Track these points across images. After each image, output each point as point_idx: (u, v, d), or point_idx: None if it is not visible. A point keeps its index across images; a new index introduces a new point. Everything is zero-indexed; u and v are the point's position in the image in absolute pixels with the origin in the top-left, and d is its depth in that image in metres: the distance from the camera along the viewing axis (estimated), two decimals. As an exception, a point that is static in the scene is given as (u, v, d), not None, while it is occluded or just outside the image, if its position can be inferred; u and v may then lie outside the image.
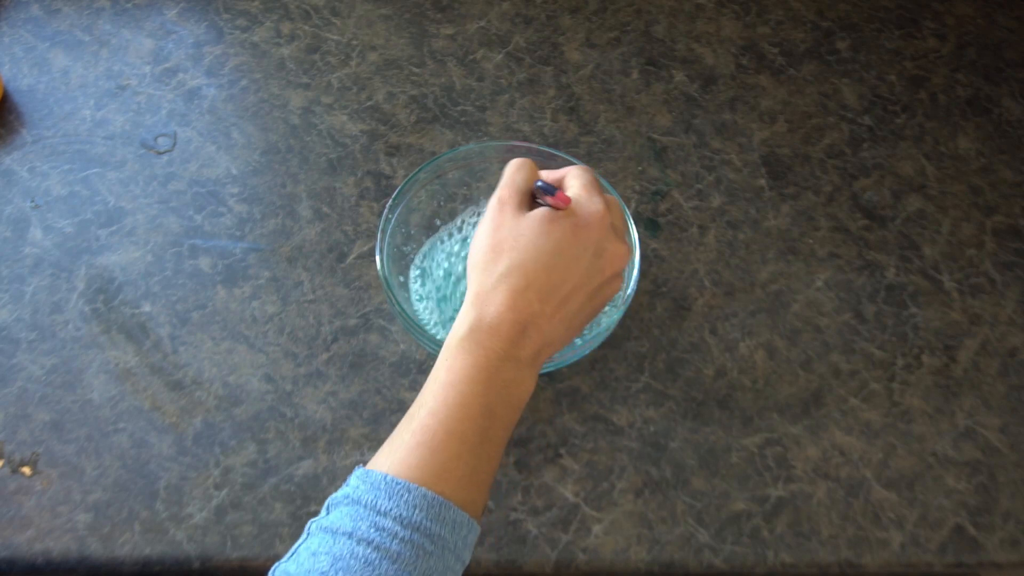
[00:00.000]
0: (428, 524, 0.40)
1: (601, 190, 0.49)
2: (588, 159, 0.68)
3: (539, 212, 0.47)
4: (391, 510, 0.40)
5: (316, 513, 0.54)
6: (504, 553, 0.53)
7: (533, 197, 0.48)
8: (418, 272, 0.61)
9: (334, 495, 0.42)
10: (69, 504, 0.54)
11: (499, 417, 0.44)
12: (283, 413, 0.57)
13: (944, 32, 0.78)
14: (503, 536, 0.54)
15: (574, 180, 0.49)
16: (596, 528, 0.54)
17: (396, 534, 0.39)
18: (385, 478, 0.41)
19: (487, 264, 0.46)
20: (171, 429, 0.57)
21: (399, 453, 0.42)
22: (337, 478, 0.55)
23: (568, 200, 0.46)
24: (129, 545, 0.53)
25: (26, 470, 0.55)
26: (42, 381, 0.58)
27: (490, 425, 0.44)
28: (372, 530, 0.39)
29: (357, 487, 0.41)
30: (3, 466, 0.55)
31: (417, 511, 0.40)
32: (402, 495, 0.40)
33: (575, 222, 0.46)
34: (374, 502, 0.40)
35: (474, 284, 0.46)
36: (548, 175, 0.51)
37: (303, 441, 0.56)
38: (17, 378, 0.58)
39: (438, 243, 0.61)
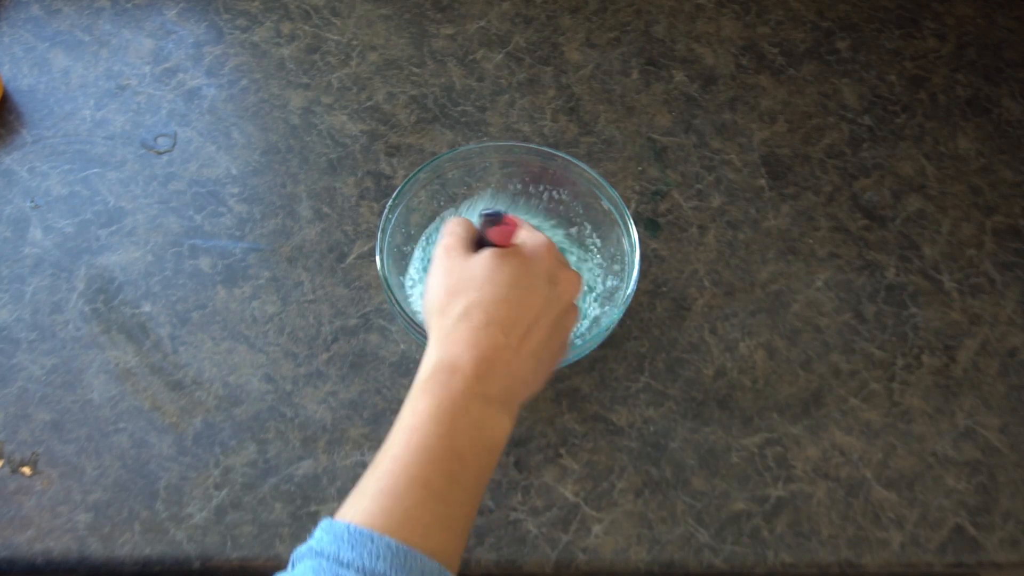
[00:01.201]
0: (392, 574, 0.38)
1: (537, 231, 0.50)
2: (588, 159, 0.68)
3: (488, 252, 0.46)
4: (353, 561, 0.38)
5: (316, 513, 0.54)
6: (504, 553, 0.53)
7: (477, 245, 0.48)
8: (421, 255, 0.61)
9: (298, 549, 0.40)
10: (69, 504, 0.54)
11: (469, 460, 0.42)
12: (283, 413, 0.57)
13: (944, 32, 0.78)
14: (503, 536, 0.54)
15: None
16: (596, 528, 0.54)
17: None
18: (348, 528, 0.39)
19: (443, 308, 0.45)
20: (171, 429, 0.57)
21: (363, 502, 0.41)
22: (337, 478, 0.55)
23: (515, 221, 0.46)
24: (129, 545, 0.53)
25: (26, 470, 0.55)
26: (42, 381, 0.58)
27: (458, 468, 0.42)
28: None
29: (320, 539, 0.39)
30: (3, 466, 0.55)
31: (381, 561, 0.38)
32: (365, 545, 0.38)
33: (524, 255, 0.47)
34: (336, 553, 0.38)
35: (433, 329, 0.46)
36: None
37: (303, 441, 0.56)
38: (17, 378, 0.58)
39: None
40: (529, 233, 0.48)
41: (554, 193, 0.62)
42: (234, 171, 0.67)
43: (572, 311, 0.49)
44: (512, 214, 0.51)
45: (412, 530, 0.40)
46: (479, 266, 0.46)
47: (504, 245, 0.47)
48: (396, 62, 0.73)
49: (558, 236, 0.63)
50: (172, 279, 0.62)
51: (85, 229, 0.64)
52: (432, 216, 0.62)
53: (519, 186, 0.63)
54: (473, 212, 0.63)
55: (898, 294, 0.64)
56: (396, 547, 0.38)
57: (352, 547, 0.38)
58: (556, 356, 0.48)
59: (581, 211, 0.62)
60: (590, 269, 0.61)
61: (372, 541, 0.38)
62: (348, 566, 0.38)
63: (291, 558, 0.41)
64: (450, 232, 0.49)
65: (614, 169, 0.68)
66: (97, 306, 0.61)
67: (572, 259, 0.62)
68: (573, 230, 0.63)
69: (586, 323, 0.59)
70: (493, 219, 0.45)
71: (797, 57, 0.75)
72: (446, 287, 0.46)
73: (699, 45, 0.76)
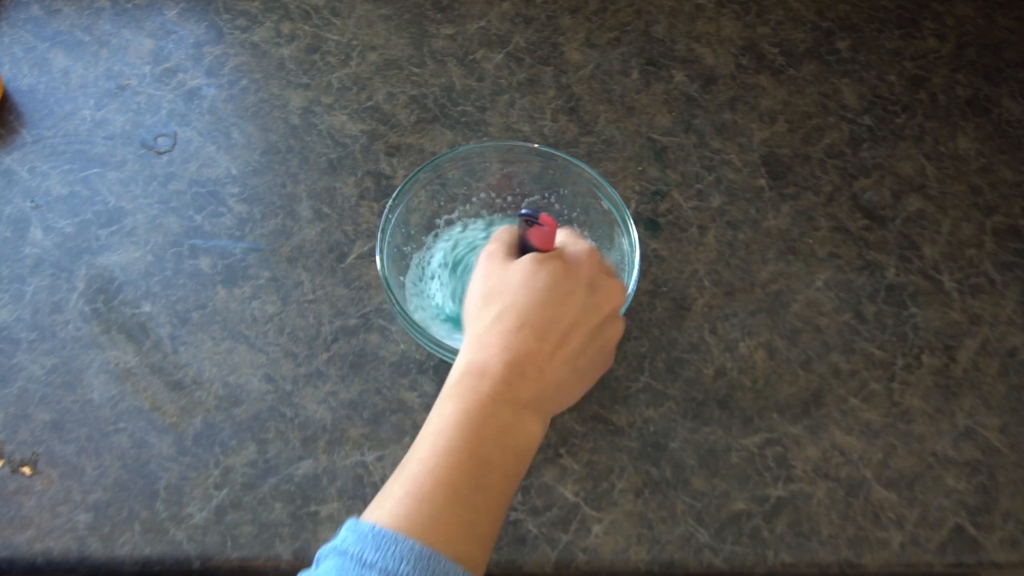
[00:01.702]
0: None
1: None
2: (588, 159, 0.68)
3: (527, 256, 0.46)
4: (377, 562, 0.38)
5: (316, 513, 0.54)
6: (504, 553, 0.53)
7: (520, 251, 0.48)
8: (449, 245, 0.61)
9: (323, 547, 0.40)
10: (69, 504, 0.54)
11: (496, 465, 0.42)
12: (283, 413, 0.57)
13: (944, 32, 0.78)
14: (503, 536, 0.54)
15: (559, 233, 0.49)
16: (596, 528, 0.54)
17: None
18: (372, 529, 0.39)
19: (479, 311, 0.45)
20: (171, 429, 0.57)
21: (388, 503, 0.41)
22: (337, 478, 0.55)
23: (553, 221, 0.46)
24: (129, 545, 0.53)
25: (26, 470, 0.55)
26: (42, 381, 0.58)
27: (485, 473, 0.41)
28: None
29: (345, 538, 0.40)
30: (3, 466, 0.55)
31: (404, 563, 0.38)
32: (389, 547, 0.38)
33: (565, 259, 0.46)
34: (360, 554, 0.38)
35: (468, 331, 0.46)
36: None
37: (303, 441, 0.56)
38: (17, 378, 0.58)
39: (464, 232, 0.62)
40: (572, 238, 0.48)
41: (554, 193, 0.62)
42: (234, 171, 0.67)
43: (616, 322, 0.48)
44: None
45: (436, 534, 0.39)
46: (518, 270, 0.46)
47: (545, 249, 0.46)
48: (396, 62, 0.73)
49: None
50: (172, 279, 0.62)
51: (85, 229, 0.64)
52: (432, 216, 0.62)
53: (519, 186, 0.63)
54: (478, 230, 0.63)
55: (898, 294, 0.64)
56: (420, 550, 0.38)
57: (376, 548, 0.38)
58: (597, 367, 0.47)
59: (581, 211, 0.62)
60: None
61: (396, 543, 0.38)
62: (372, 567, 0.38)
63: (316, 556, 0.41)
64: (496, 238, 0.49)
65: (614, 169, 0.68)
66: (97, 306, 0.61)
67: None
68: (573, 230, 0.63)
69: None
70: (529, 220, 0.45)
71: (797, 57, 0.75)
72: (483, 291, 0.46)
73: (699, 45, 0.76)
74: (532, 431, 0.43)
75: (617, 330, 0.48)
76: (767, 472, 0.56)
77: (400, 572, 0.37)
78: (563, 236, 0.49)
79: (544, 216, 0.45)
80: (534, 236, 0.46)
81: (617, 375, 0.60)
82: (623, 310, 0.54)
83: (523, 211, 0.45)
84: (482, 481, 0.41)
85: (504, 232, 0.50)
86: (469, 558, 0.40)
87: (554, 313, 0.44)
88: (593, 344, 0.46)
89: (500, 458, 0.42)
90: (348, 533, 0.40)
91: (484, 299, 0.46)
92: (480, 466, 0.41)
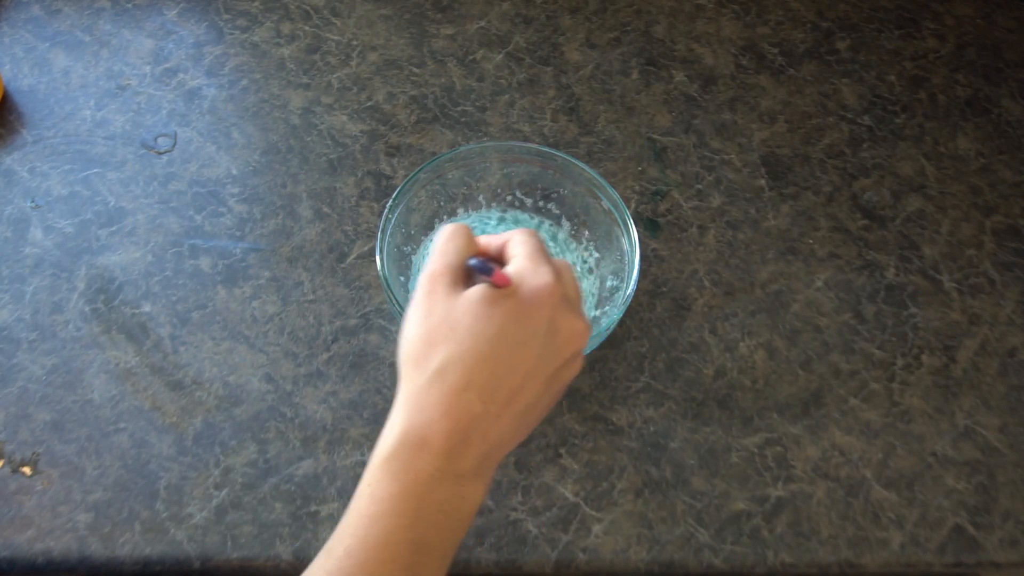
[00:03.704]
0: None
1: (548, 257, 0.41)
2: (588, 159, 0.69)
3: (477, 291, 0.39)
4: None
5: (316, 513, 0.54)
6: (504, 553, 0.53)
7: (468, 276, 0.41)
8: None
9: None
10: (69, 504, 0.54)
11: (434, 548, 0.38)
12: (283, 413, 0.57)
13: (944, 32, 0.78)
14: (503, 536, 0.54)
15: (518, 248, 0.42)
16: (596, 528, 0.54)
17: None
18: None
19: (419, 359, 0.39)
20: (171, 429, 0.57)
21: None
22: (337, 478, 0.55)
23: (508, 280, 0.39)
24: (129, 545, 0.53)
25: (26, 470, 0.55)
26: (42, 381, 0.58)
27: (422, 560, 0.38)
28: None
29: None
30: (3, 466, 0.55)
31: None
32: None
33: (520, 300, 0.39)
34: None
35: (405, 381, 0.39)
36: (488, 240, 0.44)
37: (303, 441, 0.56)
38: (17, 378, 0.58)
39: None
40: (534, 263, 0.40)
41: (554, 193, 0.62)
42: (234, 171, 0.67)
43: (574, 362, 0.42)
44: (492, 237, 0.44)
45: None
46: (465, 311, 0.39)
47: (500, 283, 0.39)
48: (396, 62, 0.73)
49: (561, 236, 0.63)
50: (172, 279, 0.62)
51: (85, 229, 0.64)
52: (432, 216, 0.62)
53: (518, 186, 0.63)
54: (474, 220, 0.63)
55: (898, 294, 0.64)
56: None
57: None
58: (545, 411, 0.42)
59: (581, 211, 0.62)
60: (584, 262, 0.61)
61: None
62: None
63: None
64: (440, 254, 0.41)
65: (614, 169, 0.68)
66: (97, 306, 0.61)
67: (569, 258, 0.62)
68: (572, 230, 0.63)
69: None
70: (482, 271, 0.39)
71: (797, 57, 0.75)
72: (424, 332, 0.39)
73: (699, 45, 0.76)
74: (473, 497, 0.39)
75: (574, 370, 0.42)
76: (767, 472, 0.57)
77: None
78: (523, 257, 0.41)
79: (498, 274, 0.39)
80: (492, 279, 0.40)
81: (617, 375, 0.60)
82: (623, 310, 0.54)
83: (474, 261, 0.39)
84: (418, 569, 0.38)
85: (450, 243, 0.41)
86: None
87: (505, 368, 0.38)
88: (547, 393, 0.41)
89: (438, 539, 0.38)
90: None
91: (424, 343, 0.39)
92: (416, 554, 0.38)
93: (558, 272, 0.41)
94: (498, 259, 0.43)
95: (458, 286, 0.40)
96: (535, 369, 0.39)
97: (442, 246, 0.41)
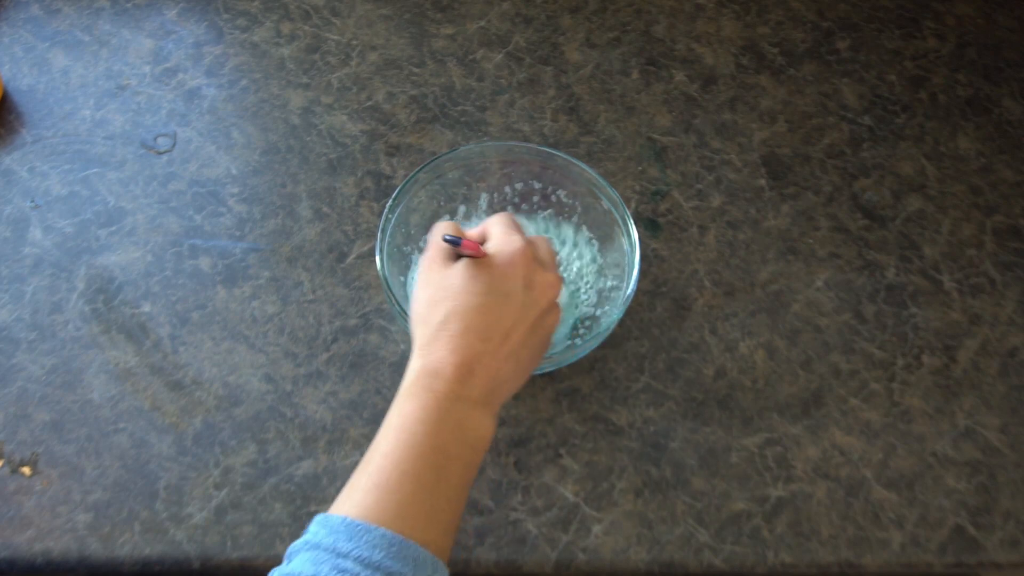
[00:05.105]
0: (389, 563, 0.40)
1: (519, 229, 0.51)
2: (588, 159, 0.68)
3: (463, 262, 0.49)
4: (351, 551, 0.40)
5: (316, 513, 0.54)
6: (504, 553, 0.53)
7: (459, 255, 0.50)
8: None
9: (293, 544, 0.42)
10: (69, 504, 0.54)
11: (455, 456, 0.45)
12: (283, 413, 0.57)
13: (944, 32, 0.78)
14: (503, 536, 0.54)
15: (494, 227, 0.51)
16: (596, 528, 0.54)
17: (358, 575, 0.39)
18: (344, 521, 0.41)
19: (425, 317, 0.48)
20: (171, 429, 0.57)
21: (356, 496, 0.43)
22: (337, 478, 0.55)
23: (475, 245, 0.48)
24: (129, 545, 0.53)
25: (26, 470, 0.55)
26: (42, 381, 0.58)
27: (445, 463, 0.44)
28: (334, 572, 0.39)
29: (316, 532, 0.41)
30: (3, 466, 0.55)
31: (377, 550, 0.40)
32: (361, 536, 0.40)
33: (499, 262, 0.49)
34: (334, 545, 0.40)
35: (417, 337, 0.48)
36: (470, 233, 0.53)
37: (303, 441, 0.56)
38: (17, 378, 0.58)
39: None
40: (505, 236, 0.50)
41: (554, 193, 0.62)
42: (234, 171, 0.67)
43: (552, 311, 0.51)
44: (474, 228, 0.53)
45: (404, 521, 0.42)
46: (455, 276, 0.48)
47: (471, 248, 0.48)
48: (396, 62, 0.73)
49: (552, 227, 0.63)
50: (172, 279, 0.62)
51: (85, 229, 0.64)
52: (432, 216, 0.62)
53: (518, 186, 0.63)
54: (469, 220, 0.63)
55: (898, 294, 0.64)
56: (392, 537, 0.40)
57: (349, 538, 0.40)
58: (537, 355, 0.50)
59: (581, 211, 0.62)
60: (581, 259, 0.61)
61: (368, 532, 0.40)
62: (346, 556, 0.40)
63: (287, 552, 0.42)
64: (433, 243, 0.51)
65: (614, 169, 0.68)
66: (97, 306, 0.61)
67: (564, 251, 0.62)
68: (572, 226, 0.63)
69: (570, 326, 0.59)
70: (453, 243, 0.48)
71: (797, 57, 0.75)
72: (427, 297, 0.48)
73: (699, 45, 0.76)
74: (485, 424, 0.46)
75: (555, 319, 0.51)
76: (767, 472, 0.56)
77: (375, 559, 0.40)
78: (498, 232, 0.50)
79: (466, 242, 0.48)
80: (465, 250, 0.49)
81: (617, 375, 0.60)
82: (623, 310, 0.54)
83: (446, 237, 0.48)
84: (443, 472, 0.44)
85: (439, 233, 0.51)
86: (435, 543, 0.42)
87: (495, 316, 0.47)
88: (533, 336, 0.49)
89: (458, 450, 0.45)
90: (318, 527, 0.42)
91: (427, 305, 0.48)
92: (441, 457, 0.44)
93: (530, 240, 0.51)
94: (480, 240, 0.51)
95: (450, 262, 0.49)
96: (521, 315, 0.48)
97: (433, 239, 0.51)
